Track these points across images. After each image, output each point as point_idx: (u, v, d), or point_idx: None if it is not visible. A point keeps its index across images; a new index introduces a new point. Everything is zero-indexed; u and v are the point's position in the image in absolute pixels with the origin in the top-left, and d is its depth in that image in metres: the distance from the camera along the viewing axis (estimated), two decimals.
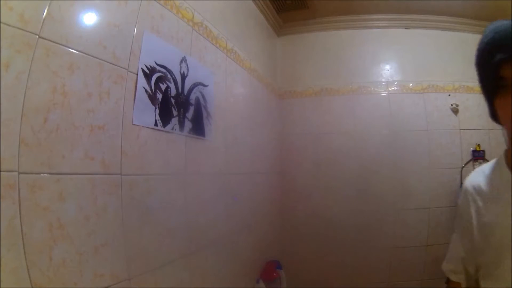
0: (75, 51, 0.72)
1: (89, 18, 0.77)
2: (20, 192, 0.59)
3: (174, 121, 1.07)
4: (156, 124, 0.98)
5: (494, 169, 0.67)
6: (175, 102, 1.08)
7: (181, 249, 1.10)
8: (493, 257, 0.61)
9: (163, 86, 1.01)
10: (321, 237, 2.27)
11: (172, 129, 1.06)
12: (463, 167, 2.21)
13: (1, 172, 0.55)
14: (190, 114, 1.17)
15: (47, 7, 0.65)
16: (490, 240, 0.61)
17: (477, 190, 0.66)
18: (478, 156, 2.21)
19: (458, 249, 0.72)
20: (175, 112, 1.08)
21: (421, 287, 2.15)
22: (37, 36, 0.63)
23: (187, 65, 1.16)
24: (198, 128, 1.23)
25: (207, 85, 1.30)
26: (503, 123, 0.58)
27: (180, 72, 1.12)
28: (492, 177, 0.66)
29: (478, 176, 0.69)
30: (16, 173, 0.58)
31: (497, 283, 0.60)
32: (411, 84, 2.32)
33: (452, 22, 2.34)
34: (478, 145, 2.22)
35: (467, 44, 2.35)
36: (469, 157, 2.22)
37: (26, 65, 0.61)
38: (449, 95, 2.28)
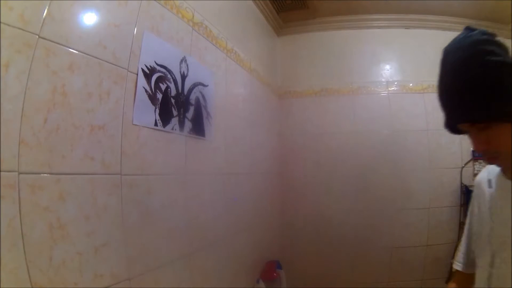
0: (75, 51, 0.72)
1: (89, 18, 0.77)
2: (20, 192, 0.58)
3: (174, 121, 1.07)
4: (156, 124, 0.98)
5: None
6: (175, 102, 1.08)
7: (181, 249, 1.10)
8: (478, 249, 0.69)
9: (163, 86, 1.01)
10: (321, 237, 2.27)
11: (172, 129, 1.06)
12: (463, 167, 2.21)
13: (1, 172, 0.55)
14: (190, 114, 1.17)
15: (47, 7, 0.65)
16: (481, 233, 0.68)
17: (484, 185, 0.72)
18: (478, 156, 2.20)
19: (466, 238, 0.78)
20: (175, 112, 1.08)
21: (421, 287, 2.15)
22: (37, 36, 0.63)
23: (187, 65, 1.16)
24: (198, 128, 1.23)
25: (207, 85, 1.30)
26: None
27: (180, 72, 1.12)
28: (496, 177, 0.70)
29: (491, 171, 0.72)
30: (16, 173, 0.58)
31: (477, 272, 0.68)
32: (411, 84, 2.32)
33: (452, 22, 2.33)
34: None
35: None
36: (469, 157, 2.22)
37: (26, 65, 0.61)
38: None
